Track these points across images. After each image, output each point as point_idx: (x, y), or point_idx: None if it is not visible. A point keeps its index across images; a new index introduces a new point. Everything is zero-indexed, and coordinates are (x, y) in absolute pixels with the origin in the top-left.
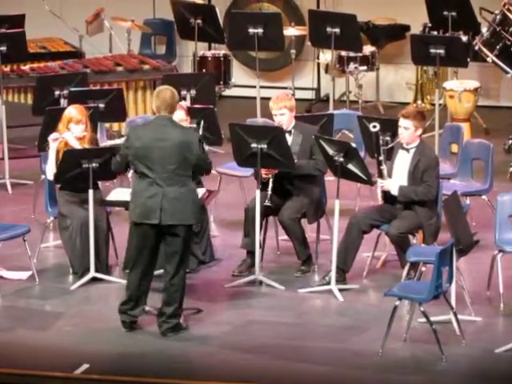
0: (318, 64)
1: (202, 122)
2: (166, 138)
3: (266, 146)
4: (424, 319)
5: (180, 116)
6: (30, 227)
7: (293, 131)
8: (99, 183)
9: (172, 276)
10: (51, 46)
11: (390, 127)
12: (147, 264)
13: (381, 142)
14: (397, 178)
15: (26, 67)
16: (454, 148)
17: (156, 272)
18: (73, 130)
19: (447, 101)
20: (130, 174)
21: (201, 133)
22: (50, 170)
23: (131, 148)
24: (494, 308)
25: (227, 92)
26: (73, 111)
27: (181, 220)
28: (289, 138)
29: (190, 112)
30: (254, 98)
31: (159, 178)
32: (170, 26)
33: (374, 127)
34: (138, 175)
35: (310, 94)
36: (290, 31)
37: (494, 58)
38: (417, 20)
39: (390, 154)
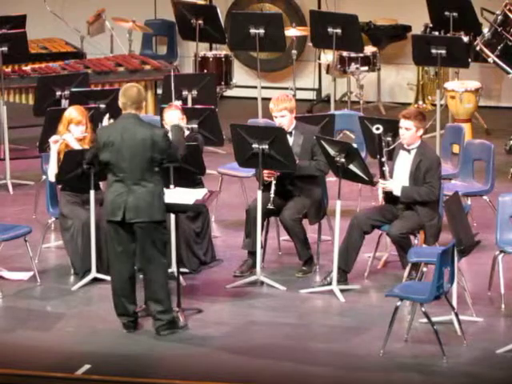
0: (320, 64)
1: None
2: (134, 136)
3: (267, 147)
4: (425, 320)
5: (176, 115)
6: (31, 228)
7: (294, 132)
8: (100, 184)
9: (145, 273)
10: (52, 47)
11: (392, 128)
12: (125, 262)
13: (383, 143)
14: (398, 179)
15: (28, 68)
16: (455, 148)
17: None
18: (73, 130)
19: (448, 101)
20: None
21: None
22: (52, 171)
23: (99, 147)
24: (496, 309)
25: (228, 92)
26: (73, 112)
27: (144, 217)
28: (290, 139)
29: (192, 112)
30: (256, 98)
31: (125, 175)
32: (172, 27)
33: (377, 129)
34: (109, 173)
35: (311, 95)
36: (292, 32)
37: (495, 59)
38: (418, 20)
39: (391, 154)
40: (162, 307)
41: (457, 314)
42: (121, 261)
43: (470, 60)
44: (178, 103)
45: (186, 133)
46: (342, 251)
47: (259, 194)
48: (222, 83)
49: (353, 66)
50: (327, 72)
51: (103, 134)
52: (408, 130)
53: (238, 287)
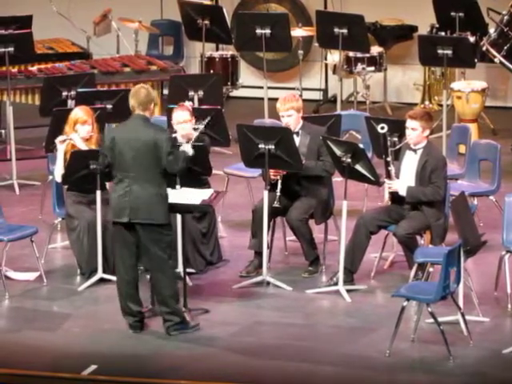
0: (326, 65)
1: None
2: (138, 137)
3: (273, 147)
4: (432, 320)
5: (184, 117)
6: (37, 228)
7: (300, 132)
8: (106, 184)
9: (154, 277)
10: (58, 47)
11: (398, 128)
12: (129, 262)
13: (388, 143)
14: (404, 179)
15: (34, 68)
16: (462, 149)
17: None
18: (79, 131)
19: (455, 101)
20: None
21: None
22: (59, 171)
23: (107, 148)
24: (502, 309)
25: (235, 93)
26: (79, 112)
27: (149, 219)
28: (296, 139)
29: (198, 113)
30: (262, 98)
31: (130, 176)
32: (178, 27)
33: (382, 128)
34: (114, 174)
35: (317, 95)
36: (298, 32)
37: (502, 59)
38: (424, 20)
39: (398, 155)
40: (168, 308)
41: (463, 314)
42: (125, 261)
43: (476, 60)
44: (189, 104)
45: (195, 134)
46: (349, 251)
47: (265, 194)
48: (229, 83)
49: (359, 67)
50: (333, 72)
51: (110, 134)
52: (414, 131)
53: (244, 287)
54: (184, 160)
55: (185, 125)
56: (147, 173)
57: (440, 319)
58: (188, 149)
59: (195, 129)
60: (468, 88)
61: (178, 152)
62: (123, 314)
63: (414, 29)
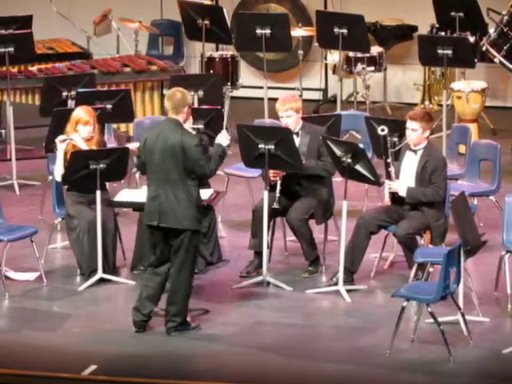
0: (326, 65)
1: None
2: (166, 140)
3: (273, 147)
4: (431, 320)
5: None
6: (37, 228)
7: (300, 132)
8: (107, 184)
9: (174, 277)
10: (59, 47)
11: (398, 128)
12: (158, 263)
13: (388, 144)
14: (404, 180)
15: (34, 68)
16: (462, 149)
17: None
18: (80, 131)
19: (455, 101)
20: (137, 175)
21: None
22: (58, 171)
23: (141, 149)
24: (502, 309)
25: (235, 93)
26: (81, 112)
27: (178, 224)
28: (296, 140)
29: (198, 113)
30: (262, 98)
31: (158, 179)
32: (178, 27)
33: (382, 131)
34: (147, 176)
35: (317, 95)
36: (298, 32)
37: (502, 59)
38: (424, 20)
39: (398, 155)
40: (177, 310)
41: (463, 314)
42: (159, 261)
43: (476, 60)
44: None
45: (193, 133)
46: (349, 251)
47: (265, 194)
48: (229, 83)
49: (359, 67)
50: (333, 72)
51: (143, 136)
52: (414, 131)
53: (244, 287)
54: (220, 156)
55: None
56: (173, 176)
57: (440, 319)
58: (223, 139)
59: (193, 128)
60: (468, 88)
61: (208, 155)
62: (133, 308)
63: (413, 29)
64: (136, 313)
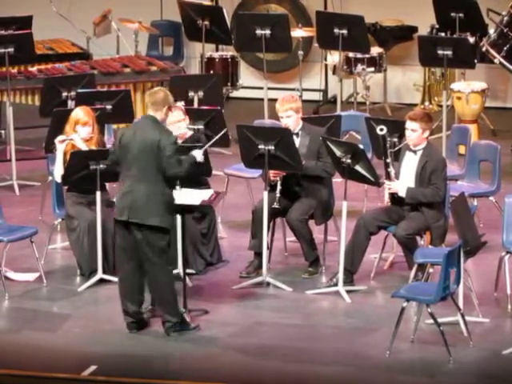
0: (326, 65)
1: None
2: (142, 136)
3: (273, 148)
4: (431, 320)
5: (178, 116)
6: (37, 229)
7: (300, 133)
8: (106, 185)
9: (149, 277)
10: (58, 48)
11: (398, 129)
12: (128, 261)
13: (388, 144)
14: (404, 180)
15: (34, 69)
16: (462, 149)
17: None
18: (79, 131)
19: (455, 102)
20: None
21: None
22: (58, 171)
23: (116, 145)
24: (502, 309)
25: (235, 93)
26: (80, 113)
27: (145, 220)
28: (296, 140)
29: (198, 113)
30: (262, 99)
31: (132, 175)
32: (178, 28)
33: (381, 130)
34: (120, 172)
35: (317, 96)
36: (298, 32)
37: (502, 60)
38: (424, 21)
39: (397, 156)
40: (165, 309)
41: (463, 315)
42: (123, 259)
43: (476, 61)
44: (181, 104)
45: (190, 133)
46: (348, 252)
47: (265, 194)
48: (229, 84)
49: (359, 67)
50: (333, 73)
51: (120, 133)
52: (414, 132)
53: (244, 288)
54: (190, 165)
55: (179, 124)
56: (148, 173)
57: (440, 320)
58: (198, 154)
59: (190, 129)
60: (468, 89)
61: (182, 157)
62: (123, 313)
63: (413, 29)
64: (125, 316)
